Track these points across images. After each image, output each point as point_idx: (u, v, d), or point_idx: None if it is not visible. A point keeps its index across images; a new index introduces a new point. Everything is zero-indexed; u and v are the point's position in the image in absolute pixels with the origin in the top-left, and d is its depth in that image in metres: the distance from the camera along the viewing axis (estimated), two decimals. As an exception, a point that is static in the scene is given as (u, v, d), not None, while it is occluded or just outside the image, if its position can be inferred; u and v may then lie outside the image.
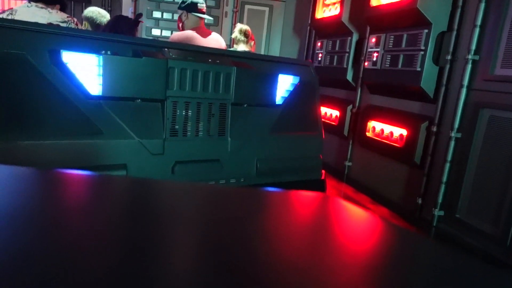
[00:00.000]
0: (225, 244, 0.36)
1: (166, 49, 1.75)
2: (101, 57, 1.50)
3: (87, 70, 1.51)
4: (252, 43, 3.44)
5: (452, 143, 2.50)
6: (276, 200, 0.55)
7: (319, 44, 4.31)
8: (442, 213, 2.57)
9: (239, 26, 3.45)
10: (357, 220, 0.52)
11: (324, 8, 4.11)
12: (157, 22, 4.71)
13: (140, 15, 2.81)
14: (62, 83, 1.46)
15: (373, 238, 0.46)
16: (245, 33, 3.35)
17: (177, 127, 1.77)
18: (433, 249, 0.45)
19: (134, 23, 2.65)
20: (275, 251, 0.36)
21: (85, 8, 3.17)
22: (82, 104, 1.52)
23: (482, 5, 2.31)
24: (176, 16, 4.58)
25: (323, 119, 3.29)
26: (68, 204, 0.43)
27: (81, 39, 1.56)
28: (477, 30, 2.34)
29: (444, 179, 2.55)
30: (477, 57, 2.36)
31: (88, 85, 1.52)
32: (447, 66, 2.59)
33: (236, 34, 3.41)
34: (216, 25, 4.85)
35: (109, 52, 1.53)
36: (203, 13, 2.98)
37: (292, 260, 0.35)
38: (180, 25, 3.06)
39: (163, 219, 0.42)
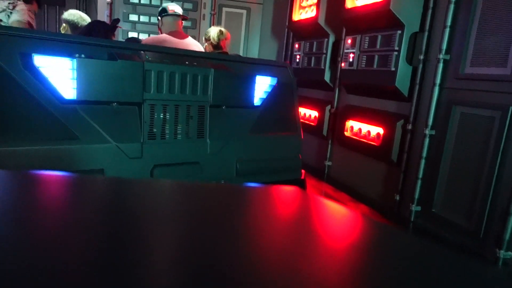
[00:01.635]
0: (206, 239, 0.36)
1: (142, 51, 1.73)
2: (74, 60, 1.48)
3: (60, 74, 1.48)
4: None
5: (427, 140, 2.58)
6: (255, 195, 0.56)
7: (296, 45, 4.36)
8: (419, 208, 2.64)
9: (217, 28, 3.28)
10: (335, 215, 0.53)
11: (301, 10, 4.16)
12: (134, 25, 4.65)
13: (117, 20, 2.77)
14: (34, 87, 1.43)
15: (352, 232, 0.47)
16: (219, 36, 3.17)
17: (155, 130, 1.75)
18: (409, 241, 0.46)
19: (111, 28, 2.62)
20: (257, 245, 0.37)
21: (60, 11, 3.09)
22: (56, 109, 1.49)
23: (452, 6, 2.39)
24: (153, 19, 4.55)
25: (302, 120, 3.32)
26: (42, 204, 0.43)
27: (54, 42, 1.53)
28: (447, 31, 2.42)
29: (420, 175, 2.62)
30: (448, 57, 2.44)
31: (61, 89, 1.49)
32: (420, 66, 2.66)
33: (214, 35, 3.24)
34: (194, 28, 4.83)
35: (83, 55, 1.50)
36: (174, 13, 2.95)
37: (274, 253, 0.35)
38: (159, 32, 3.06)
39: (143, 217, 0.42)
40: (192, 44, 2.96)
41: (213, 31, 3.15)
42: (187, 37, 3.00)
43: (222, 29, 3.19)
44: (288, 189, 0.58)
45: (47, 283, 0.25)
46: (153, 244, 0.35)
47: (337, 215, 0.53)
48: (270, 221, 0.46)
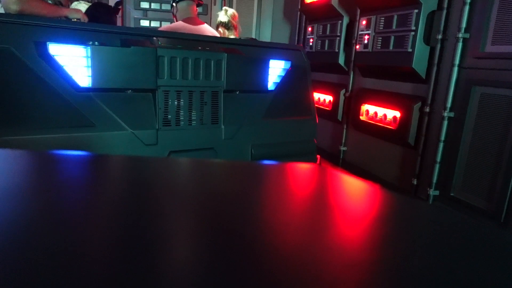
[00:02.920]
0: (225, 214, 0.36)
1: (154, 37, 1.73)
2: (88, 48, 1.48)
3: (75, 62, 1.49)
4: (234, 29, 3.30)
5: (445, 123, 2.52)
6: (273, 172, 0.55)
7: (309, 29, 4.28)
8: (437, 192, 2.60)
9: (222, 10, 3.26)
10: (355, 188, 0.52)
11: (314, -8, 4.06)
12: (145, 13, 4.64)
13: (120, 2, 2.77)
14: (50, 76, 1.45)
15: (373, 204, 0.46)
16: (229, 19, 3.18)
17: (169, 116, 1.76)
18: (435, 211, 0.45)
19: (113, 11, 2.62)
20: (276, 220, 0.36)
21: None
22: (71, 97, 1.50)
23: (472, -18, 2.30)
24: (164, 6, 4.53)
25: (316, 105, 3.28)
26: (60, 183, 0.43)
27: (68, 30, 1.53)
28: (467, 8, 2.34)
29: (438, 158, 2.57)
30: (467, 35, 2.36)
31: (77, 77, 1.51)
32: (438, 46, 2.58)
33: (222, 17, 3.23)
34: (205, 14, 4.79)
35: (96, 43, 1.50)
36: None
37: (294, 226, 0.35)
38: (174, 19, 3.02)
39: (161, 194, 0.41)
40: (207, 30, 2.94)
41: (220, 14, 3.17)
42: (203, 23, 2.97)
43: (226, 7, 3.20)
44: (307, 165, 0.57)
45: (67, 263, 0.24)
46: (173, 222, 0.34)
47: (357, 189, 0.52)
48: (291, 197, 0.45)
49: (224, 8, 3.18)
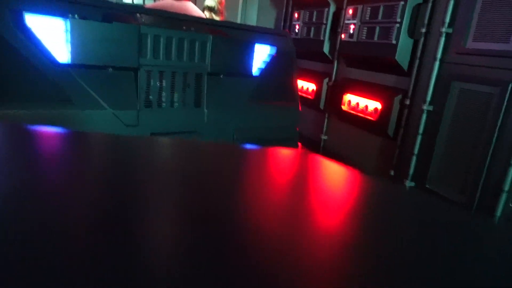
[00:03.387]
0: (207, 196, 0.35)
1: (138, 14, 1.67)
2: (68, 21, 1.42)
3: (53, 35, 1.42)
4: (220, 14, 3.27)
5: (424, 116, 2.57)
6: (255, 156, 0.54)
7: (296, 15, 4.24)
8: (413, 184, 2.67)
9: None
10: (336, 173, 0.53)
11: (302, -22, 4.02)
12: (127, -11, 4.48)
13: None
14: (26, 48, 1.38)
15: (354, 188, 0.47)
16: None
17: (151, 97, 1.72)
18: (413, 194, 0.46)
19: None
20: (259, 203, 0.36)
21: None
22: (49, 72, 1.44)
23: (458, -23, 2.32)
24: (148, -17, 4.38)
25: (299, 93, 3.28)
26: (42, 159, 0.41)
27: (46, 0, 1.45)
28: (451, 2, 2.36)
29: (416, 151, 2.63)
30: (450, 30, 2.39)
31: (55, 51, 1.44)
32: (422, 39, 2.61)
33: (210, 3, 3.22)
34: (190, -6, 4.66)
35: (76, 16, 1.44)
36: None
37: (276, 209, 0.34)
38: None
39: (139, 175, 0.40)
40: (193, 10, 2.85)
41: (208, 4, 3.12)
42: (188, 1, 2.88)
43: None
44: (289, 150, 0.57)
45: (46, 240, 0.23)
46: (154, 204, 0.33)
47: (338, 173, 0.52)
48: (274, 181, 0.45)
49: None
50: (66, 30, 1.43)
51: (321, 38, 3.74)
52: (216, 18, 3.16)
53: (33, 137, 0.50)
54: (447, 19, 2.39)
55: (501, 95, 2.06)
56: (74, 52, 1.45)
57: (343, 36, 3.37)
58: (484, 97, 2.18)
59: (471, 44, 2.28)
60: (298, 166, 0.55)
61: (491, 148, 2.10)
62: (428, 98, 2.53)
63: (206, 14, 3.11)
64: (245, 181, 0.43)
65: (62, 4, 1.47)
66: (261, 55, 2.06)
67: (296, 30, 4.21)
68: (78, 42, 1.45)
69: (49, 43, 1.42)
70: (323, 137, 3.79)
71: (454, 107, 2.38)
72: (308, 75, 4.03)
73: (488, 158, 2.12)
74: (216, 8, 3.11)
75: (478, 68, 2.22)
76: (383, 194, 0.45)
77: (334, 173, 0.53)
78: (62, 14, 1.43)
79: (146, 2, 4.32)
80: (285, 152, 0.59)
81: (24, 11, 1.36)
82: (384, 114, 2.90)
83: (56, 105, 1.47)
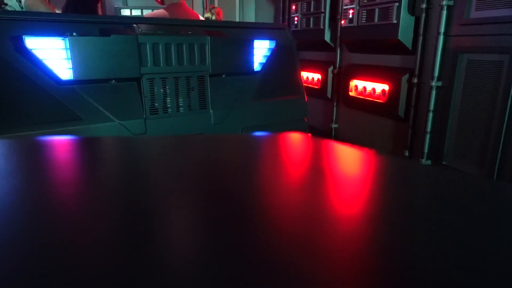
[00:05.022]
0: (224, 184, 0.35)
1: (134, 25, 1.69)
2: (67, 39, 1.44)
3: (54, 54, 1.45)
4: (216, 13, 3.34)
5: (434, 92, 2.52)
6: (265, 142, 0.55)
7: (293, 7, 4.22)
8: (429, 162, 2.62)
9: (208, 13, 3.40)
10: (351, 155, 0.52)
11: (295, -31, 3.99)
12: (125, 1, 4.53)
13: None
14: (29, 70, 1.41)
15: (373, 168, 0.46)
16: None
17: (156, 104, 1.73)
18: (437, 171, 0.45)
19: (94, 0, 2.53)
20: (277, 188, 0.36)
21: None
22: (54, 91, 1.47)
23: None
24: (144, -6, 4.42)
25: (305, 84, 3.26)
26: (52, 167, 0.42)
27: (43, 22, 1.49)
28: (449, -26, 2.31)
29: (429, 128, 2.58)
30: (451, 2, 2.34)
31: (57, 70, 1.47)
32: (423, 15, 2.56)
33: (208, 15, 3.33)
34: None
35: (74, 34, 1.47)
36: None
37: (293, 194, 0.34)
38: (159, 3, 2.90)
39: (155, 171, 0.41)
40: (186, 12, 2.85)
41: (206, 16, 3.23)
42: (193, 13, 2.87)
43: (212, 10, 3.22)
44: (299, 134, 0.57)
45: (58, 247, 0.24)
46: (171, 196, 0.34)
47: (351, 155, 0.52)
48: (288, 165, 0.45)
49: (210, 11, 3.24)
50: (66, 48, 1.45)
51: (321, 27, 3.71)
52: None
53: (39, 147, 0.52)
54: (447, -9, 2.33)
55: (510, 61, 2.01)
56: (75, 69, 1.47)
57: (343, 22, 3.33)
58: (493, 66, 2.12)
59: (474, 14, 2.22)
60: (310, 150, 0.55)
61: (506, 117, 2.05)
62: (436, 74, 2.48)
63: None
64: (259, 169, 0.43)
65: (60, 24, 1.50)
66: (261, 50, 2.06)
67: (295, 22, 4.18)
68: (79, 59, 1.48)
69: (51, 62, 1.45)
70: (334, 125, 3.76)
71: (463, 80, 2.33)
72: (312, 66, 4.00)
73: (504, 127, 2.06)
74: (213, 19, 3.16)
75: (484, 37, 2.17)
76: (403, 172, 0.44)
77: (348, 155, 0.52)
78: (61, 33, 1.46)
79: (144, 12, 4.36)
80: (294, 137, 0.59)
81: (23, 35, 1.39)
82: (392, 95, 2.86)
83: (64, 122, 1.50)
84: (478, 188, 0.38)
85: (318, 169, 0.43)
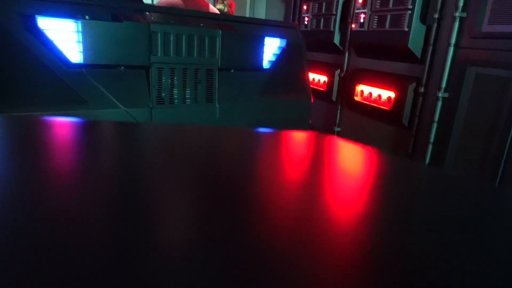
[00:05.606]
0: (226, 179, 0.35)
1: (147, 12, 1.68)
2: (79, 22, 1.44)
3: (65, 36, 1.45)
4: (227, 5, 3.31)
5: (439, 103, 2.52)
6: (271, 139, 0.54)
7: (305, 7, 4.20)
8: (429, 172, 2.63)
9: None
10: (356, 153, 0.52)
11: (309, -31, 3.98)
12: (136, -11, 4.51)
13: None
14: (39, 50, 1.40)
15: (375, 168, 0.46)
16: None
17: (163, 94, 1.73)
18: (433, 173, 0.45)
19: None
20: (280, 184, 0.35)
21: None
22: (62, 73, 1.47)
23: (471, -40, 2.26)
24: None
25: (311, 86, 3.25)
26: (55, 149, 0.42)
27: (57, 3, 1.48)
28: (465, -14, 2.30)
29: (432, 139, 2.58)
30: (464, 14, 2.33)
31: (67, 52, 1.46)
32: (435, 25, 2.56)
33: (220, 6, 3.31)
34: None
35: (87, 17, 1.46)
36: None
37: (297, 192, 0.34)
38: None
39: (158, 160, 0.41)
40: (204, 5, 2.85)
41: (218, 7, 3.20)
42: (208, 5, 2.86)
43: (224, 1, 3.20)
44: (304, 133, 0.56)
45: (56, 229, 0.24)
46: (170, 187, 0.33)
47: (360, 155, 0.52)
48: (293, 163, 0.45)
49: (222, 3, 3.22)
50: (78, 31, 1.45)
51: (331, 29, 3.70)
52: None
53: (42, 127, 0.51)
54: (461, 3, 2.33)
55: (519, 78, 2.00)
56: (86, 53, 1.47)
57: (353, 26, 3.32)
58: (501, 82, 2.12)
59: (486, 28, 2.22)
60: (315, 147, 0.55)
61: (510, 134, 2.05)
62: (443, 85, 2.48)
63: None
64: (264, 164, 0.43)
65: (73, 6, 1.49)
66: (271, 48, 2.05)
67: (306, 22, 4.17)
68: (90, 43, 1.47)
69: (62, 44, 1.45)
70: (337, 128, 3.76)
71: (470, 93, 2.32)
72: (319, 67, 4.00)
73: (507, 144, 2.06)
74: (226, 11, 3.14)
75: (495, 52, 2.16)
76: (405, 172, 0.44)
77: (354, 154, 0.52)
78: (73, 15, 1.45)
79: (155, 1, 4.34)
80: (300, 135, 0.59)
81: (36, 15, 1.38)
82: (398, 103, 2.86)
83: (70, 105, 1.49)
84: (479, 189, 0.39)
85: (326, 170, 0.43)
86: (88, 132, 0.53)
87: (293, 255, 0.22)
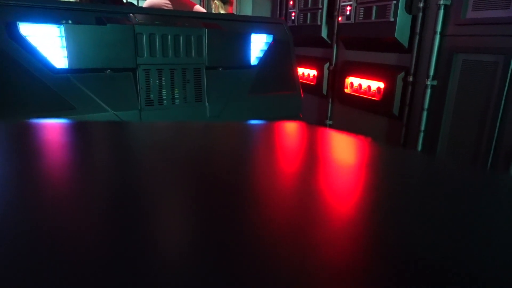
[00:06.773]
0: (220, 172, 0.35)
1: (131, 14, 1.67)
2: (62, 27, 1.42)
3: (49, 42, 1.43)
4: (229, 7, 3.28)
5: (428, 91, 2.53)
6: (263, 131, 0.54)
7: (291, 2, 4.20)
8: (422, 160, 2.65)
9: None
10: (349, 143, 0.52)
11: (294, -36, 3.97)
12: (120, -8, 4.47)
13: None
14: (23, 57, 1.39)
15: (369, 157, 0.46)
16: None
17: (152, 96, 1.72)
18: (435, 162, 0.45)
19: None
20: (274, 176, 0.35)
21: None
22: (48, 79, 1.45)
23: None
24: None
25: (300, 80, 3.26)
26: (48, 152, 0.41)
27: (38, 9, 1.46)
28: (447, -26, 2.32)
29: (422, 127, 2.60)
30: (448, 2, 2.35)
31: (52, 58, 1.45)
32: (420, 14, 2.57)
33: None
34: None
35: (70, 21, 1.44)
36: None
37: (291, 182, 0.34)
38: None
39: (148, 157, 0.40)
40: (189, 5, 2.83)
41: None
42: (195, 5, 2.85)
43: None
44: (295, 123, 0.56)
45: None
46: (165, 184, 0.33)
47: (348, 142, 0.51)
48: (285, 154, 0.44)
49: None
50: (61, 36, 1.43)
51: (318, 23, 3.71)
52: (226, 7, 3.15)
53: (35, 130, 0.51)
54: (444, -9, 2.34)
55: (505, 62, 2.02)
56: (70, 57, 1.45)
57: (340, 19, 3.32)
58: (488, 67, 2.14)
59: (470, 14, 2.23)
60: (306, 138, 0.54)
61: (499, 117, 2.07)
62: (431, 73, 2.50)
63: (216, 3, 3.10)
64: (256, 157, 0.43)
65: (55, 11, 1.48)
66: (259, 44, 2.05)
67: (292, 18, 4.17)
68: (74, 47, 1.46)
69: (46, 50, 1.43)
70: (328, 122, 3.77)
71: (458, 80, 2.34)
72: (308, 62, 4.00)
73: (497, 128, 2.09)
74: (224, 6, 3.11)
75: (480, 38, 2.18)
76: (398, 160, 0.44)
77: (346, 144, 0.52)
78: (56, 20, 1.44)
79: (140, 3, 4.31)
80: (290, 126, 0.59)
81: (18, 21, 1.36)
82: (387, 93, 2.87)
83: (57, 112, 1.48)
84: (475, 178, 0.39)
85: (318, 160, 0.43)
86: (78, 132, 0.53)
87: (291, 250, 0.22)
